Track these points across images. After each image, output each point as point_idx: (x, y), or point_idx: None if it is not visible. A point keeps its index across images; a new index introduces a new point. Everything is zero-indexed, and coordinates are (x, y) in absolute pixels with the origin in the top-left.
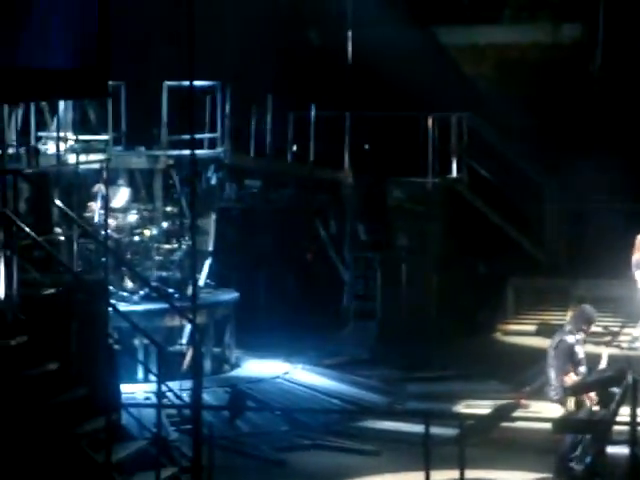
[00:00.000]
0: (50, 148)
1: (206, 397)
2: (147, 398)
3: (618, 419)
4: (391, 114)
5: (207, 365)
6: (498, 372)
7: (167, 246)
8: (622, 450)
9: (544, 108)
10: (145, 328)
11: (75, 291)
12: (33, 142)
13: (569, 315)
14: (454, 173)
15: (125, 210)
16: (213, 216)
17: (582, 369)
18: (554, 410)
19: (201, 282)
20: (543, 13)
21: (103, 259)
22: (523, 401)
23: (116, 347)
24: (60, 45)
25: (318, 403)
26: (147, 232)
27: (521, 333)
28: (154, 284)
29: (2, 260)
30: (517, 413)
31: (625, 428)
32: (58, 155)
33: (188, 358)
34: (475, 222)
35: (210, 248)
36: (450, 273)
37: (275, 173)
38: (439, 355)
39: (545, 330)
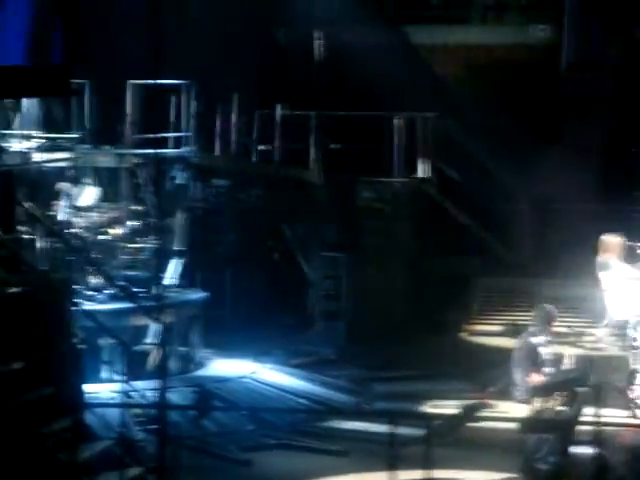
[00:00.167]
0: (14, 146)
1: (172, 397)
2: (112, 398)
3: (582, 419)
4: (358, 114)
5: (173, 365)
6: (464, 372)
7: (133, 245)
8: (587, 450)
9: (512, 108)
10: (111, 327)
11: (40, 290)
12: None
13: (533, 315)
14: (422, 173)
15: (91, 209)
16: (179, 215)
17: (547, 369)
18: (519, 410)
19: (167, 281)
20: (510, 14)
21: (69, 258)
22: (489, 401)
23: (81, 346)
24: (23, 43)
25: (285, 403)
26: (113, 231)
27: (487, 333)
28: (120, 283)
29: None
30: (483, 413)
31: (589, 428)
32: (22, 153)
33: (154, 358)
34: (442, 222)
35: (176, 247)
36: (417, 273)
37: (241, 172)
38: (406, 355)
39: (511, 331)
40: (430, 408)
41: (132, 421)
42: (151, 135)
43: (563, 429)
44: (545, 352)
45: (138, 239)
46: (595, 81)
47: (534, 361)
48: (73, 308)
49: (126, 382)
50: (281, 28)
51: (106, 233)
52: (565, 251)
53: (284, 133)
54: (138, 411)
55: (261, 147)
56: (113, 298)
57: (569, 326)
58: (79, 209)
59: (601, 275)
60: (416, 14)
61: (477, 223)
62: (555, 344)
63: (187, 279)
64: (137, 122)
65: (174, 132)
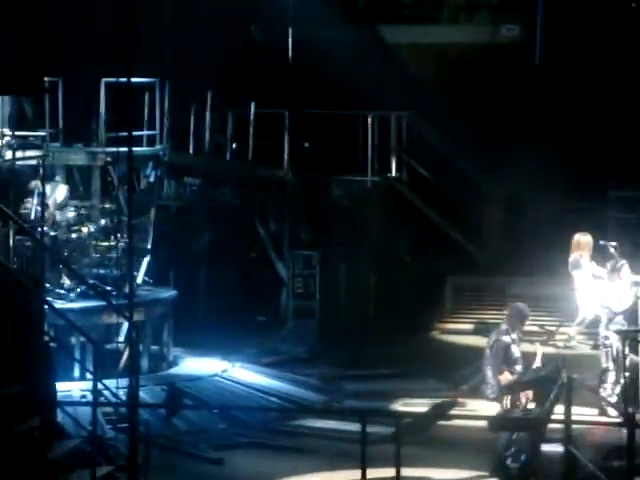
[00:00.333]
0: None
1: (143, 395)
2: (83, 396)
3: (553, 417)
4: (331, 112)
5: (144, 363)
6: (435, 370)
7: (105, 243)
8: (557, 448)
9: (483, 107)
10: (82, 326)
11: (11, 288)
12: None
13: (505, 314)
14: (394, 172)
15: (62, 207)
16: (152, 213)
17: (518, 368)
18: (490, 408)
19: (139, 280)
20: (481, 14)
21: (40, 256)
22: (460, 399)
23: (52, 345)
24: None
25: (256, 401)
26: (84, 229)
27: (458, 332)
28: (91, 281)
29: None
30: (454, 411)
31: (560, 426)
32: None
33: (125, 356)
34: (414, 220)
35: (148, 246)
36: (389, 272)
37: (214, 171)
38: (378, 353)
39: (483, 329)
40: (401, 406)
41: (103, 419)
42: (124, 133)
43: (533, 427)
44: (516, 350)
45: (110, 237)
46: (566, 80)
47: (506, 359)
48: (44, 306)
49: (97, 380)
50: (255, 26)
51: (78, 231)
52: (537, 250)
53: (258, 131)
54: (109, 409)
55: (234, 145)
56: (84, 296)
57: (541, 325)
58: (50, 207)
59: (573, 274)
60: (389, 13)
61: (449, 222)
62: (526, 342)
63: (159, 277)
64: (110, 120)
65: (147, 130)
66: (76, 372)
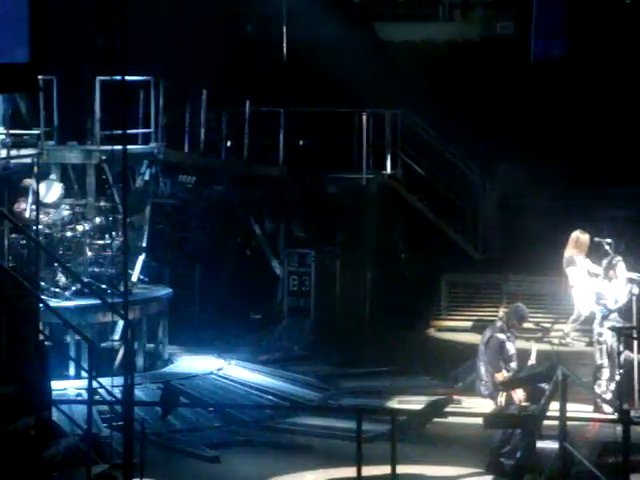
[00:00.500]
0: None
1: (138, 393)
2: (78, 395)
3: (548, 414)
4: (326, 110)
5: (140, 361)
6: (431, 368)
7: (100, 242)
8: (552, 445)
9: (478, 105)
10: (77, 324)
11: (6, 287)
12: None
13: (501, 311)
14: (388, 169)
15: (57, 205)
16: (147, 212)
17: (513, 365)
18: (486, 406)
19: (134, 278)
20: (476, 11)
21: (34, 254)
22: (455, 397)
23: (47, 343)
24: None
25: (252, 399)
26: (79, 227)
27: (454, 329)
28: (86, 280)
29: None
30: (449, 409)
31: (555, 423)
32: None
33: (120, 354)
34: (409, 218)
35: (143, 244)
36: (384, 269)
37: (209, 169)
38: (374, 351)
39: (480, 327)
40: (397, 404)
41: (98, 418)
42: (118, 131)
43: (529, 424)
44: (511, 347)
45: (105, 236)
46: (562, 77)
47: (500, 356)
48: (39, 305)
49: (92, 379)
50: (250, 24)
51: (72, 229)
52: (532, 247)
53: (253, 129)
54: (104, 408)
55: (229, 143)
56: (79, 295)
57: (536, 322)
58: (45, 205)
59: (567, 270)
60: (384, 11)
61: (444, 219)
62: (521, 339)
63: (155, 275)
64: (104, 118)
65: (142, 128)
66: (71, 370)
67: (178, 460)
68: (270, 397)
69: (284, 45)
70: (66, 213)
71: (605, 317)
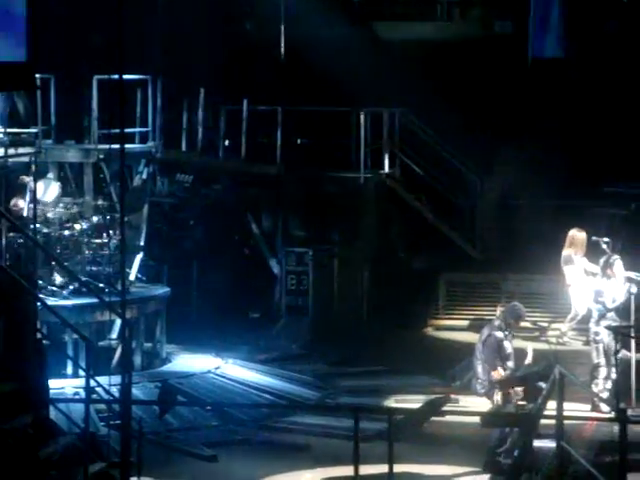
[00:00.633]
0: None
1: (136, 392)
2: (76, 393)
3: (545, 413)
4: (324, 109)
5: (138, 360)
6: (429, 367)
7: (97, 240)
8: (549, 444)
9: (476, 104)
10: (74, 323)
11: (3, 285)
12: None
13: (498, 310)
14: (386, 168)
15: (55, 204)
16: (144, 211)
17: (510, 364)
18: (483, 404)
19: (132, 277)
20: (474, 10)
21: (32, 253)
22: (453, 395)
23: (45, 342)
24: None
25: (249, 398)
26: (77, 226)
27: (452, 328)
28: (84, 279)
29: None
30: (447, 407)
31: (552, 422)
32: None
33: (118, 353)
34: (407, 217)
35: (141, 243)
36: (382, 268)
37: (207, 168)
38: (371, 350)
39: (478, 326)
40: (394, 403)
41: (96, 416)
42: (116, 130)
43: (526, 423)
44: (508, 346)
45: (102, 234)
46: (560, 76)
47: (498, 355)
48: (36, 304)
49: (90, 377)
50: (248, 23)
51: (70, 228)
52: (530, 246)
53: (250, 128)
54: (102, 407)
55: (227, 142)
56: (77, 293)
57: (533, 321)
58: (43, 204)
59: (565, 269)
60: (382, 10)
61: (442, 218)
62: (519, 338)
63: (152, 274)
64: (102, 117)
65: (140, 127)
66: (69, 369)
67: (176, 459)
68: (268, 396)
69: (282, 44)
70: (64, 212)
71: (602, 316)
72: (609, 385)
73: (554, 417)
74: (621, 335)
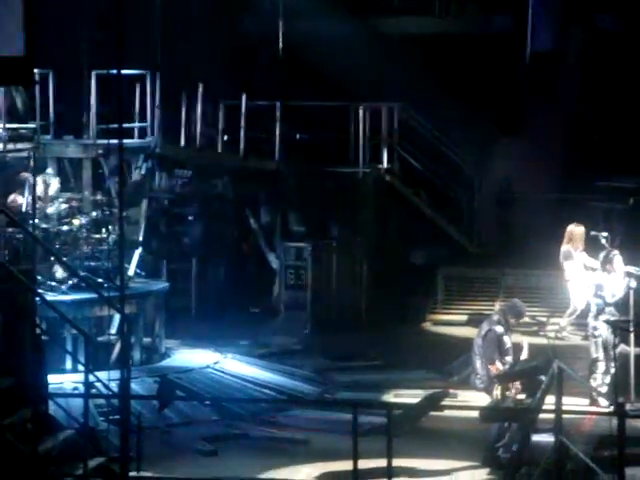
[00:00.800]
0: None
1: (135, 387)
2: (75, 388)
3: (544, 408)
4: (323, 104)
5: (137, 355)
6: (427, 361)
7: (96, 236)
8: (548, 438)
9: (475, 98)
10: (73, 318)
11: (2, 280)
12: None
13: (497, 305)
14: (385, 163)
15: (53, 199)
16: (143, 206)
17: (508, 358)
18: (482, 399)
19: (131, 272)
20: (473, 5)
21: (31, 248)
22: (451, 390)
23: (44, 337)
24: None
25: (248, 393)
26: (76, 221)
27: (450, 323)
28: (83, 274)
29: None
30: (445, 402)
31: (551, 416)
32: None
33: (117, 348)
34: (406, 211)
35: (140, 238)
36: (381, 263)
37: (206, 163)
38: (370, 345)
39: (477, 321)
40: (393, 397)
41: (95, 411)
42: (115, 125)
43: (525, 418)
44: (508, 341)
45: (101, 230)
46: (558, 71)
47: (498, 350)
48: (35, 299)
49: (89, 373)
50: (246, 18)
51: (69, 223)
52: (528, 241)
53: (249, 123)
54: (102, 401)
55: (226, 137)
56: (76, 289)
57: (532, 316)
58: (41, 199)
59: (564, 264)
60: (381, 5)
61: (440, 213)
62: (517, 333)
63: (151, 269)
64: (101, 112)
65: (138, 122)
66: (68, 364)
67: (175, 453)
68: (266, 391)
69: (281, 39)
70: (62, 207)
71: (601, 311)
72: (608, 380)
73: (553, 412)
74: (620, 330)
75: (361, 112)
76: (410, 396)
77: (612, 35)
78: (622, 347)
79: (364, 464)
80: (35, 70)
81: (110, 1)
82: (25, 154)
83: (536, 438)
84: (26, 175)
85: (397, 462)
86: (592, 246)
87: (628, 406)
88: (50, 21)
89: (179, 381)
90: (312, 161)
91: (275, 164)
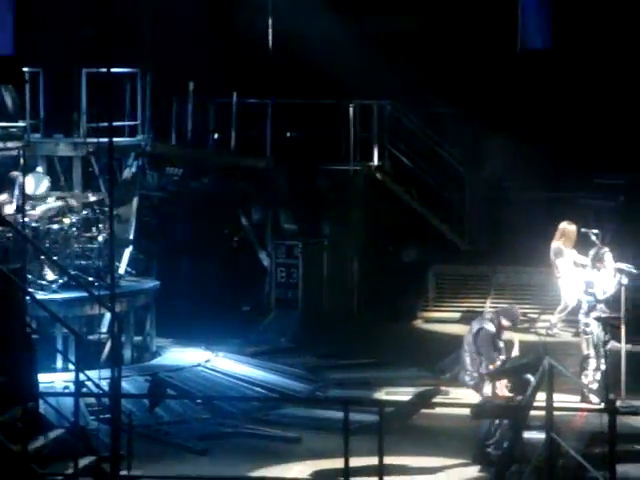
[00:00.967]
0: None
1: (126, 386)
2: (66, 387)
3: (535, 404)
4: (313, 101)
5: (127, 354)
6: (418, 359)
7: (86, 234)
8: (539, 435)
9: (465, 96)
10: (64, 317)
11: None
12: None
13: (488, 303)
14: (376, 160)
15: (44, 198)
16: (134, 204)
17: (501, 357)
18: (473, 396)
19: (121, 270)
20: (462, 3)
21: (21, 247)
22: (442, 387)
23: (34, 336)
24: None
25: (240, 391)
26: (66, 220)
27: (442, 320)
28: (73, 273)
29: None
30: (436, 400)
31: (542, 413)
32: None
33: (108, 347)
34: (397, 209)
35: (130, 236)
36: (372, 260)
37: (196, 161)
38: (361, 343)
39: (468, 318)
40: (384, 395)
41: (86, 410)
42: (105, 124)
43: (516, 415)
44: (499, 340)
45: (92, 228)
46: (548, 67)
47: (491, 348)
48: (26, 298)
49: (79, 371)
50: (236, 16)
51: (59, 222)
52: (520, 238)
53: (240, 121)
54: (92, 400)
55: (217, 135)
56: (66, 287)
57: (523, 313)
58: (31, 198)
59: (555, 261)
60: (370, 3)
61: (431, 210)
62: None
63: (142, 268)
64: (91, 110)
65: (129, 121)
66: (59, 363)
67: (166, 452)
68: (258, 389)
69: (270, 37)
70: (53, 206)
71: (592, 307)
72: (599, 376)
73: (544, 408)
74: (610, 326)
75: (352, 110)
76: (401, 394)
77: (603, 30)
78: (613, 344)
79: (355, 462)
80: (25, 69)
81: (101, 0)
82: (15, 153)
83: (527, 435)
84: (16, 174)
85: (388, 460)
86: (582, 243)
87: (619, 403)
88: (40, 20)
89: (170, 380)
90: (303, 159)
91: (266, 162)
